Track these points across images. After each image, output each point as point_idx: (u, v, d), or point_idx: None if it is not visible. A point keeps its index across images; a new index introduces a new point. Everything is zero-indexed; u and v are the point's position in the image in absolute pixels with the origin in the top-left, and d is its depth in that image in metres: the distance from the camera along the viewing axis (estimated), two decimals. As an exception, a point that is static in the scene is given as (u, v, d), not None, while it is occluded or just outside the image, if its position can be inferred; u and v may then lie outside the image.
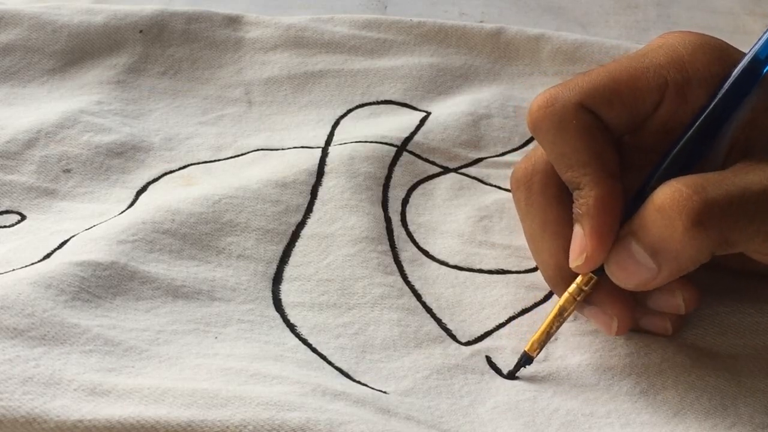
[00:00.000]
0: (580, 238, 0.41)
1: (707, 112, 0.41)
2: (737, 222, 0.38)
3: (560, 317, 0.42)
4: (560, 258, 0.42)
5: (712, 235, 0.38)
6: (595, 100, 0.41)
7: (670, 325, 0.43)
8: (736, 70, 0.41)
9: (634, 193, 0.41)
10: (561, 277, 0.42)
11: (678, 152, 0.41)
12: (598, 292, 0.42)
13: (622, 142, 0.43)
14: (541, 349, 0.42)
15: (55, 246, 0.45)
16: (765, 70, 0.41)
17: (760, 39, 0.41)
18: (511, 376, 0.42)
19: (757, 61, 0.41)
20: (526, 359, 0.42)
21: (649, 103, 0.42)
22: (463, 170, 0.53)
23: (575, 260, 0.41)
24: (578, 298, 0.42)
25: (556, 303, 0.42)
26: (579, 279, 0.41)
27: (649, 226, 0.39)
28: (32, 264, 0.44)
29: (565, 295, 0.42)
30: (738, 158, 0.40)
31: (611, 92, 0.41)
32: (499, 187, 0.52)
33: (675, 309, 0.42)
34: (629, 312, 0.42)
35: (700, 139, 0.41)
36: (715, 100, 0.41)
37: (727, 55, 0.42)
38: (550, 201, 0.43)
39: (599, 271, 0.41)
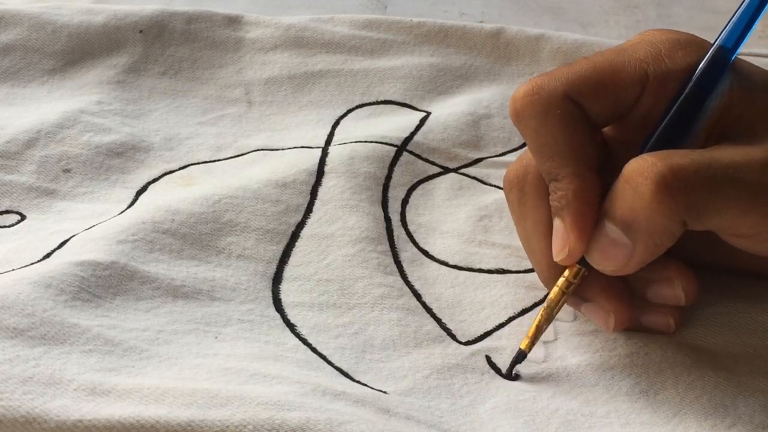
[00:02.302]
0: (561, 231, 0.41)
1: (680, 101, 0.41)
2: (704, 190, 0.38)
3: (550, 311, 0.42)
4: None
5: (679, 201, 0.38)
6: (580, 91, 0.42)
7: (672, 320, 0.43)
8: (704, 60, 0.41)
9: (610, 186, 0.41)
10: (555, 276, 0.42)
11: (654, 142, 0.41)
12: (593, 288, 0.42)
13: (605, 137, 0.44)
14: (533, 345, 0.42)
15: (55, 246, 0.45)
16: (732, 58, 0.42)
17: (724, 28, 0.42)
18: (509, 374, 0.42)
19: (724, 50, 0.42)
20: (521, 355, 0.42)
21: (631, 95, 0.42)
22: (463, 170, 0.53)
23: (558, 254, 0.41)
24: (567, 291, 0.42)
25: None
26: (567, 272, 0.42)
27: (619, 199, 0.39)
28: (32, 264, 0.44)
29: (555, 288, 0.42)
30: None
31: (595, 83, 0.42)
32: (499, 187, 0.52)
33: (675, 300, 0.42)
34: (625, 306, 0.42)
35: (675, 127, 0.41)
36: (687, 89, 0.41)
37: (703, 49, 0.42)
38: (542, 201, 0.43)
39: (587, 264, 0.41)
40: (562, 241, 0.41)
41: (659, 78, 0.42)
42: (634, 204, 0.39)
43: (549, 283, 0.43)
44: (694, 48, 0.42)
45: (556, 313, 0.42)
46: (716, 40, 0.42)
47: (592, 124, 0.42)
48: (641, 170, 0.38)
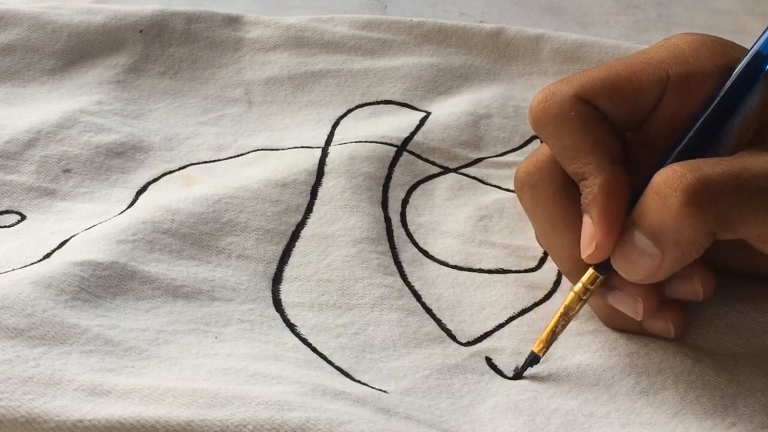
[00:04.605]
0: (589, 227, 0.40)
1: (711, 107, 0.41)
2: (734, 201, 0.38)
3: (566, 316, 0.42)
4: (575, 251, 0.41)
5: (708, 213, 0.38)
6: (594, 93, 0.41)
7: (672, 327, 0.43)
8: (738, 66, 0.41)
9: (639, 188, 0.40)
10: (579, 270, 0.42)
11: (682, 147, 0.41)
12: (620, 276, 0.41)
13: (630, 140, 0.43)
14: (547, 349, 0.42)
15: (55, 246, 0.45)
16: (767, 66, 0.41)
17: (762, 35, 0.41)
18: (519, 376, 0.42)
19: (759, 57, 0.41)
20: (533, 359, 0.42)
21: (650, 97, 0.42)
22: (463, 170, 0.53)
23: (586, 249, 0.41)
24: (584, 297, 0.41)
25: (562, 302, 0.42)
26: (584, 278, 0.41)
27: (648, 210, 0.39)
28: (32, 264, 0.44)
29: (571, 294, 0.42)
30: None
31: (610, 85, 0.42)
32: (499, 187, 0.52)
33: (693, 295, 0.42)
34: (653, 293, 0.41)
35: (704, 133, 0.41)
36: (720, 95, 0.41)
37: (730, 50, 0.42)
38: (555, 196, 0.43)
39: (605, 271, 0.41)
40: (590, 237, 0.40)
41: (682, 78, 0.41)
42: (662, 215, 0.38)
43: (572, 277, 0.43)
44: (721, 49, 0.42)
45: (572, 318, 0.42)
46: (753, 45, 0.41)
47: (613, 124, 0.42)
48: (670, 181, 0.38)
